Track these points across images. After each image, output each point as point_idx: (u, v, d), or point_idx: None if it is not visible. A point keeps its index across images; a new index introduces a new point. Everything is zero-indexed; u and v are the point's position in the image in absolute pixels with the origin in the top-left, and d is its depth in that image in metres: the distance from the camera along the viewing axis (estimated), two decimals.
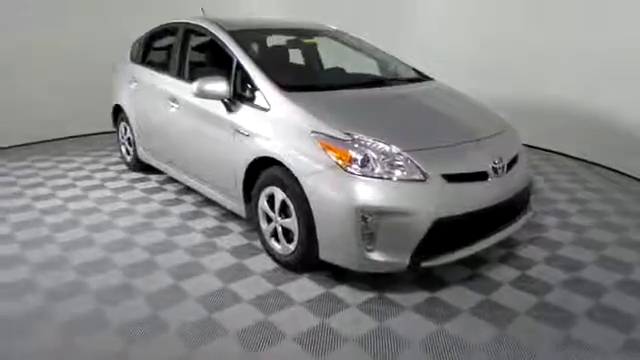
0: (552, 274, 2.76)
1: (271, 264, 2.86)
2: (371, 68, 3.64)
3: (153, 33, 4.33)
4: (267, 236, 2.88)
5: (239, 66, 3.02)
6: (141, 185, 4.33)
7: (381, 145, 2.38)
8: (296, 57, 3.96)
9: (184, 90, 3.48)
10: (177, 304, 2.44)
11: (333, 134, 2.43)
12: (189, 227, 3.40)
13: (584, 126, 4.99)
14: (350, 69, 3.66)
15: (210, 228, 3.39)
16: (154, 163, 4.24)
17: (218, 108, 3.08)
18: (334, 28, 4.05)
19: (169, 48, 3.93)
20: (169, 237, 3.24)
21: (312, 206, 2.44)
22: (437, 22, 6.09)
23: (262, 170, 2.82)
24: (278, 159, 2.61)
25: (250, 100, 2.91)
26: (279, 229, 2.76)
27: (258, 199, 2.87)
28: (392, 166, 2.33)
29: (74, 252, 3.00)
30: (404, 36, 6.10)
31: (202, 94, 2.97)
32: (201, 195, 3.95)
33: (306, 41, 3.82)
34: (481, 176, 2.48)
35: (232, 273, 2.75)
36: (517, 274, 2.75)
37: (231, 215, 3.56)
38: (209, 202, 3.83)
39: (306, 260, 2.64)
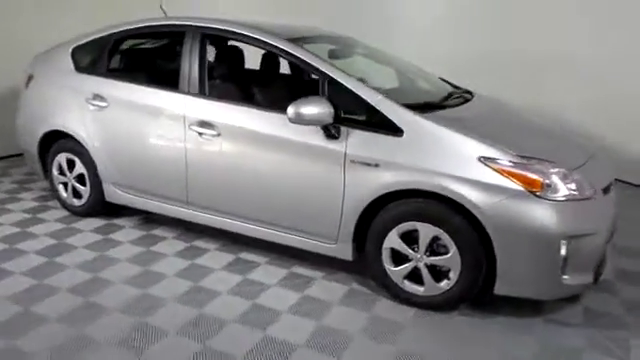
0: None
1: (406, 309, 2.51)
2: (414, 81, 3.42)
3: (122, 36, 3.29)
4: (397, 278, 2.51)
5: (334, 84, 2.53)
6: (119, 235, 3.30)
7: (556, 166, 2.28)
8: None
9: (232, 114, 2.77)
10: None
11: (510, 159, 2.23)
12: (265, 284, 2.73)
13: None
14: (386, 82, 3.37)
15: (286, 279, 2.79)
16: (137, 203, 3.29)
17: (305, 135, 2.54)
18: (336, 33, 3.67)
19: (169, 57, 3.07)
20: (254, 300, 2.56)
21: (494, 239, 2.22)
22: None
23: (386, 204, 2.44)
24: (436, 191, 2.28)
25: (364, 124, 2.47)
26: (423, 269, 2.43)
27: (383, 238, 2.48)
28: (571, 187, 2.26)
29: None
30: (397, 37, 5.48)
31: (299, 119, 2.43)
32: (219, 238, 3.22)
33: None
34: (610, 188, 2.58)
35: (380, 331, 2.32)
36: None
37: (286, 258, 2.99)
38: (238, 245, 3.15)
39: (464, 297, 2.41)
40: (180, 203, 3.09)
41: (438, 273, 2.43)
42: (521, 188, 2.18)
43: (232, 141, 2.77)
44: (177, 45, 3.05)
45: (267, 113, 2.68)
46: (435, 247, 2.40)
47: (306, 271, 2.88)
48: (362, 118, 2.49)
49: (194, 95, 2.89)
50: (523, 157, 2.25)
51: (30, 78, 3.63)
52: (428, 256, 2.41)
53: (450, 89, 3.26)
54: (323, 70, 2.57)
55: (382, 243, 2.49)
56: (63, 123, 3.38)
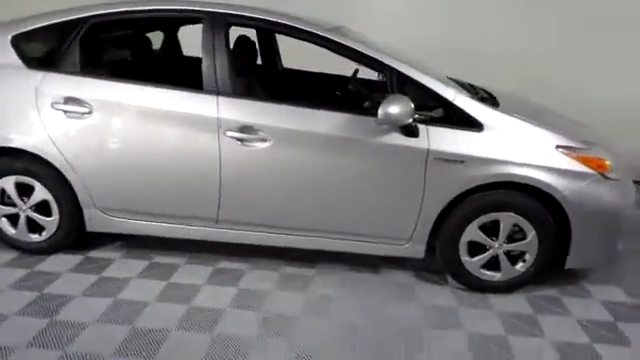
0: None
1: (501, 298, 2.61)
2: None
3: (102, 20, 2.54)
4: (473, 268, 2.58)
5: (404, 79, 2.41)
6: (117, 271, 2.67)
7: (604, 148, 2.58)
8: None
9: (284, 116, 2.43)
10: None
11: (580, 146, 2.45)
12: (332, 297, 2.53)
13: None
14: None
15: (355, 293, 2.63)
16: (140, 229, 2.69)
17: (382, 135, 2.40)
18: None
19: (170, 49, 2.51)
20: (342, 318, 2.36)
21: (572, 220, 2.43)
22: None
23: (461, 199, 2.47)
24: (525, 182, 2.38)
25: (441, 120, 2.42)
26: (501, 256, 2.55)
27: (461, 232, 2.51)
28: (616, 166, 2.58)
29: None
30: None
31: (388, 120, 2.30)
32: (240, 255, 2.86)
33: None
34: None
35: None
36: None
37: (338, 267, 2.82)
38: (276, 259, 2.84)
39: (535, 276, 2.60)
40: (207, 222, 2.63)
41: (511, 257, 2.58)
42: (594, 172, 2.42)
43: (287, 146, 2.44)
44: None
45: (332, 113, 2.44)
46: (511, 233, 2.53)
47: (405, 278, 2.76)
48: (439, 114, 2.44)
49: (229, 95, 2.44)
50: (586, 143, 2.50)
51: None
52: (507, 243, 2.53)
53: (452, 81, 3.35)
54: (394, 66, 2.42)
55: (459, 236, 2.52)
56: (16, 137, 2.54)
